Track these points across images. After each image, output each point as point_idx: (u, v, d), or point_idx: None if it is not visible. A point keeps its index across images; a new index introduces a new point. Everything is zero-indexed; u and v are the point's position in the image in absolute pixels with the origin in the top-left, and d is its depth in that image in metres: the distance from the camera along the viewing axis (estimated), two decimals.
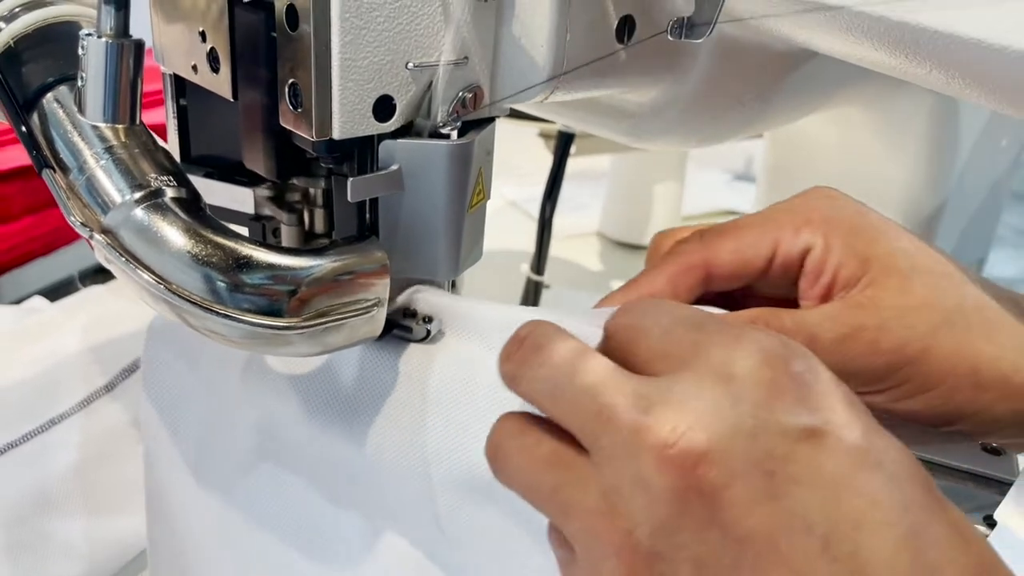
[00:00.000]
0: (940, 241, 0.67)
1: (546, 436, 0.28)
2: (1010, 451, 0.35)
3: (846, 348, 0.34)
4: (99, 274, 0.85)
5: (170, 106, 0.42)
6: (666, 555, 0.25)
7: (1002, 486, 0.32)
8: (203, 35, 0.37)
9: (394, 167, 0.35)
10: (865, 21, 0.32)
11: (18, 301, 0.75)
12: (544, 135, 0.96)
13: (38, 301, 0.74)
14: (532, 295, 0.76)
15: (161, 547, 0.47)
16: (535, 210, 0.80)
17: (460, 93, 0.36)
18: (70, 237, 0.86)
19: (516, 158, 1.08)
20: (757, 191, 0.76)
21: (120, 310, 0.69)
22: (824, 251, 0.35)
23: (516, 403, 0.33)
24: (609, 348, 0.28)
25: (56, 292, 0.78)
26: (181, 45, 0.38)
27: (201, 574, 0.45)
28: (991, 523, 0.30)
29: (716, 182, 1.19)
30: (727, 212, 1.11)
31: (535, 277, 0.75)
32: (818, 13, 0.33)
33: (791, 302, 0.37)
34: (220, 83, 0.37)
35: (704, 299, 0.37)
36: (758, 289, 0.37)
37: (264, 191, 0.40)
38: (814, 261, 0.36)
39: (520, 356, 0.28)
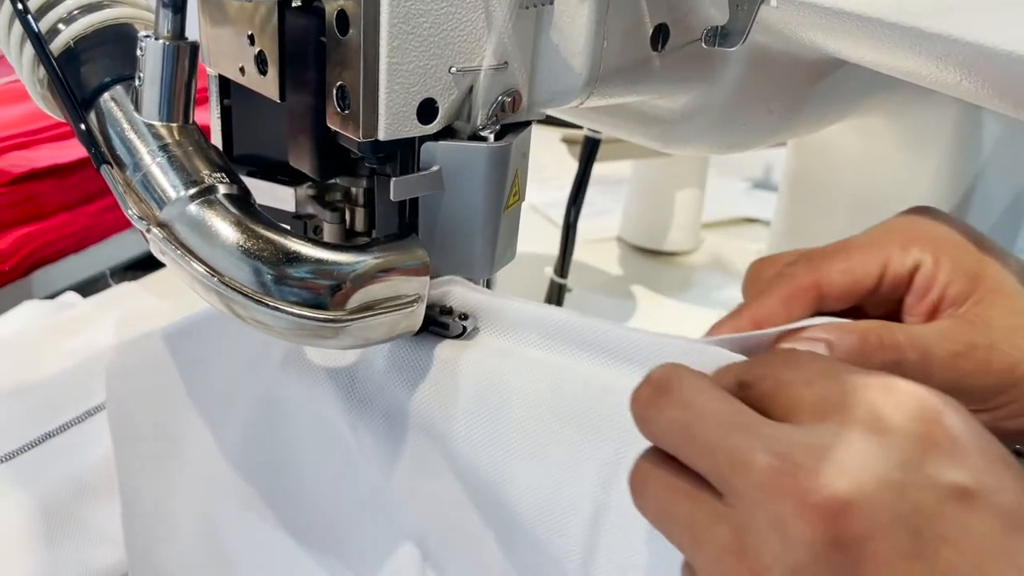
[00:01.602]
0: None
1: (681, 470, 0.28)
2: None
3: (958, 365, 0.33)
4: (129, 271, 0.87)
5: (215, 106, 0.43)
6: None
7: None
8: (251, 38, 0.38)
9: (435, 168, 0.36)
10: (897, 31, 0.33)
11: (51, 296, 0.77)
12: (567, 140, 0.97)
13: (71, 296, 0.76)
14: (555, 298, 0.77)
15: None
16: (556, 214, 0.81)
17: (499, 97, 0.37)
18: (101, 234, 0.88)
19: (538, 163, 1.09)
20: (779, 199, 0.76)
21: (151, 306, 0.71)
22: (934, 268, 0.35)
23: (548, 405, 0.35)
24: (748, 397, 0.28)
25: (88, 288, 0.79)
26: (229, 47, 0.40)
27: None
28: None
29: (736, 190, 1.20)
30: (746, 220, 1.12)
31: (559, 280, 0.76)
32: (851, 22, 0.34)
33: (894, 320, 0.36)
34: (267, 85, 0.38)
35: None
36: (864, 309, 0.37)
37: (306, 190, 0.42)
38: (924, 277, 0.35)
39: (652, 398, 0.28)
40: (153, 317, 0.68)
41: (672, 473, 0.28)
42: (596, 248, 1.01)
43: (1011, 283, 0.35)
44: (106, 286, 0.78)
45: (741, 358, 0.31)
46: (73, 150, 0.90)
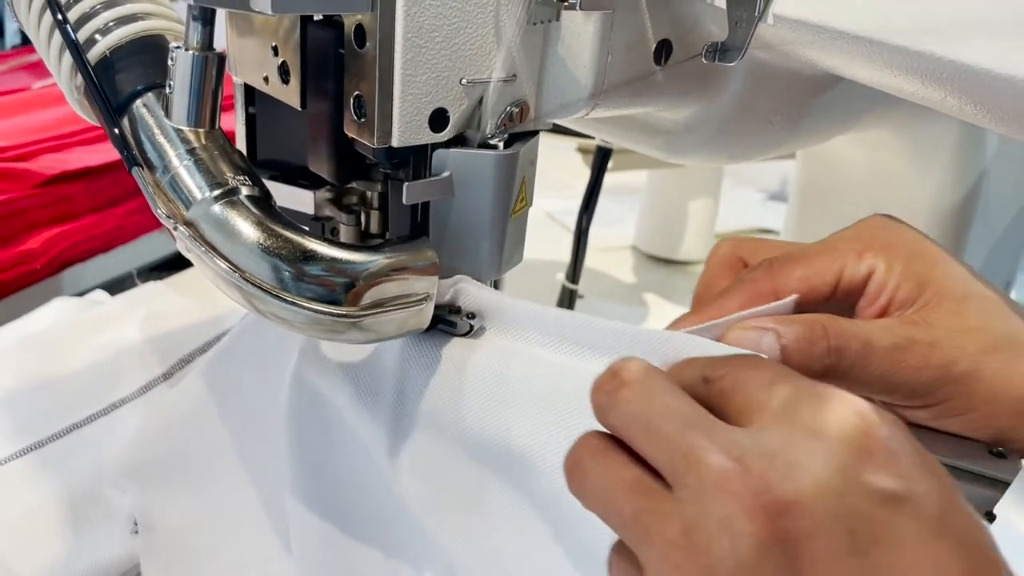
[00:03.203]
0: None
1: (629, 462, 0.29)
2: (1014, 455, 0.37)
3: (897, 357, 0.35)
4: (155, 271, 0.89)
5: (240, 113, 0.45)
6: None
7: (1005, 486, 0.34)
8: (275, 49, 0.40)
9: (446, 174, 0.38)
10: (886, 49, 0.34)
11: (81, 294, 0.80)
12: (582, 150, 0.99)
13: (99, 294, 0.78)
14: (567, 303, 0.78)
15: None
16: (572, 222, 0.82)
17: (508, 108, 0.39)
18: (129, 235, 0.91)
19: (554, 172, 1.11)
20: (788, 209, 0.78)
21: (177, 305, 0.73)
22: (886, 274, 0.37)
23: (549, 400, 0.36)
24: (709, 391, 0.30)
25: (115, 286, 0.82)
26: (254, 57, 0.42)
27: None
28: (991, 518, 0.32)
29: (751, 201, 1.21)
30: (761, 231, 1.13)
31: (570, 286, 0.78)
32: (843, 41, 0.36)
33: None
34: (289, 93, 0.40)
35: None
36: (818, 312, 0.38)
37: (324, 193, 0.44)
38: (876, 283, 0.37)
39: (612, 389, 0.30)
40: (179, 315, 0.71)
41: (621, 464, 0.29)
42: (610, 256, 1.02)
43: (958, 288, 0.37)
44: (133, 285, 0.81)
45: (721, 350, 0.33)
46: (103, 153, 0.93)
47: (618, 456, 0.29)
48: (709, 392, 0.29)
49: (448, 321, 0.40)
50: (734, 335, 0.35)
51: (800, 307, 0.37)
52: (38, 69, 1.28)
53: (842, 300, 0.38)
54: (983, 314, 0.36)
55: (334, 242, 0.36)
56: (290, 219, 0.36)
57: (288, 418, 0.44)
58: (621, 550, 0.30)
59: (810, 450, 0.26)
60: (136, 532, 0.53)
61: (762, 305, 0.36)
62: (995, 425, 0.36)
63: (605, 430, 0.30)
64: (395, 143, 0.36)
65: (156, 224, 0.93)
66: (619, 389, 0.29)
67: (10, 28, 1.51)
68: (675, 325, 0.38)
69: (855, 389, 0.33)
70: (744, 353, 0.33)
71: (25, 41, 1.50)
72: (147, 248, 0.92)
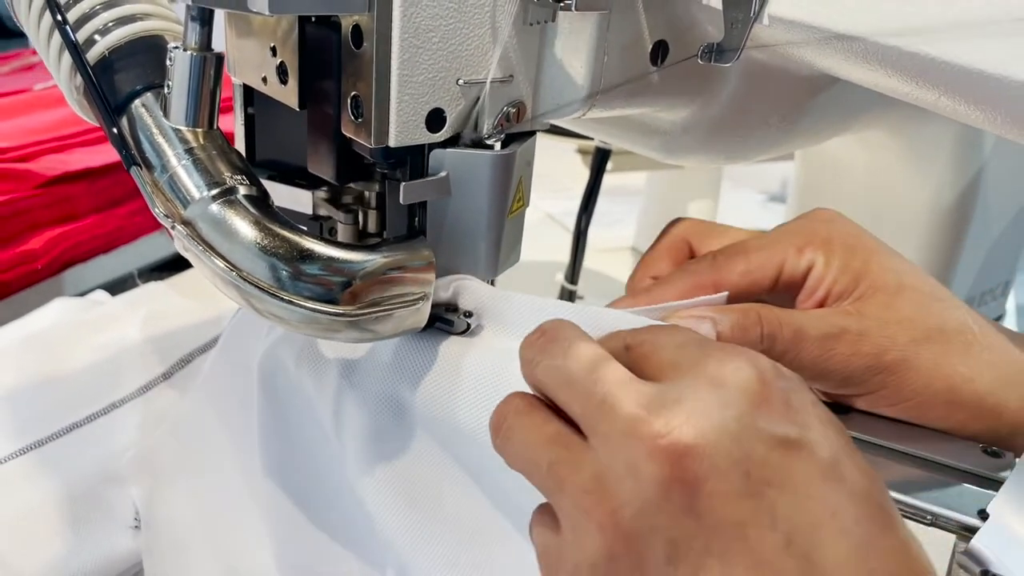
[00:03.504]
0: (965, 263, 0.68)
1: (551, 417, 0.31)
2: (1009, 454, 0.37)
3: (829, 345, 0.37)
4: (155, 271, 0.90)
5: (239, 114, 0.46)
6: (645, 535, 0.28)
7: (998, 484, 0.35)
8: (274, 50, 0.40)
9: (443, 173, 0.39)
10: (879, 50, 0.34)
11: (82, 294, 0.80)
12: (582, 151, 0.99)
13: (100, 295, 0.79)
14: None
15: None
16: (571, 223, 0.82)
17: (505, 108, 0.39)
18: (130, 236, 0.91)
19: (554, 172, 1.11)
20: (787, 210, 0.78)
21: (177, 305, 0.73)
22: (824, 268, 0.39)
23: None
24: (631, 356, 0.32)
25: (116, 287, 0.82)
26: (252, 58, 0.42)
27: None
28: (984, 516, 0.33)
29: (750, 202, 1.21)
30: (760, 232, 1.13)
31: (569, 286, 0.78)
32: (838, 41, 0.36)
33: None
34: (288, 94, 0.40)
35: None
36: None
37: (322, 193, 0.44)
38: (814, 278, 0.39)
39: (540, 345, 0.32)
40: (179, 316, 0.71)
41: (543, 420, 0.31)
42: (610, 257, 1.02)
43: (892, 281, 0.38)
44: (134, 285, 0.81)
45: (646, 323, 0.35)
46: (104, 154, 0.93)
47: (540, 412, 0.31)
48: (630, 358, 0.31)
49: (445, 319, 0.40)
50: (672, 323, 0.36)
51: (742, 299, 0.39)
52: (40, 71, 1.29)
53: (783, 292, 0.40)
54: (915, 306, 0.38)
55: (331, 241, 0.36)
56: (288, 219, 0.36)
57: (261, 410, 0.45)
58: (541, 508, 0.32)
59: (711, 399, 0.28)
60: (137, 527, 0.54)
61: (698, 296, 0.39)
62: (928, 416, 0.38)
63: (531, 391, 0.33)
64: (392, 143, 0.36)
65: (157, 225, 0.93)
66: (546, 345, 0.32)
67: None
68: (616, 304, 0.40)
69: None
70: (663, 324, 0.35)
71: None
72: (148, 249, 0.93)
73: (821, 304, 0.39)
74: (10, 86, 1.19)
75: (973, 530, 0.32)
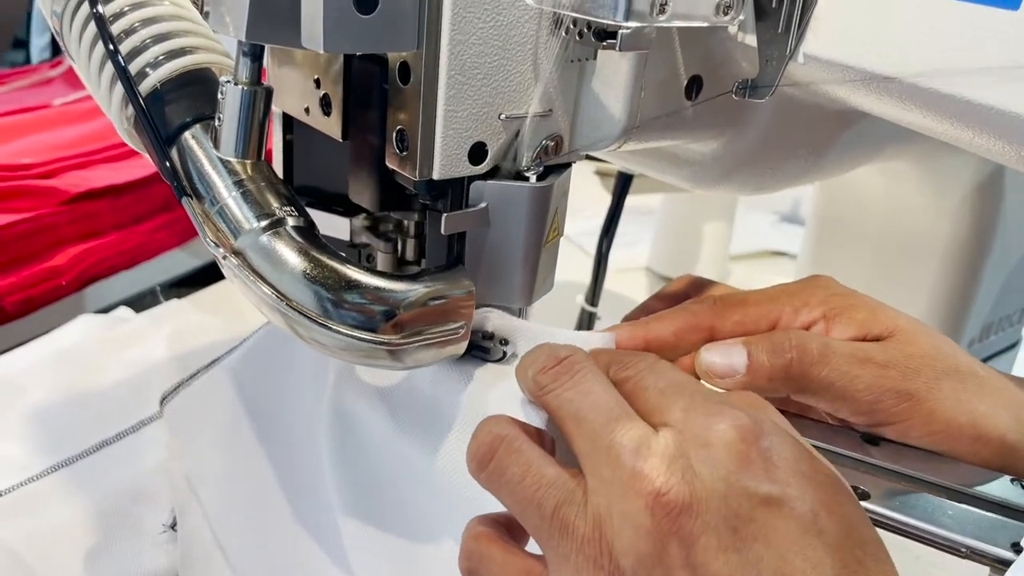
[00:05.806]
0: (984, 290, 0.69)
1: (546, 457, 0.33)
2: None
3: (855, 365, 0.38)
4: (175, 286, 0.90)
5: (278, 141, 0.47)
6: None
7: None
8: (317, 82, 0.41)
9: (482, 205, 0.39)
10: (916, 91, 0.35)
11: (104, 310, 0.81)
12: (600, 173, 1.00)
13: (124, 311, 0.80)
14: (586, 325, 0.79)
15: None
16: (588, 244, 0.83)
17: (543, 141, 0.40)
18: (152, 252, 0.92)
19: (573, 195, 1.12)
20: (805, 235, 0.79)
21: (201, 322, 0.74)
22: (825, 327, 0.40)
23: None
24: (620, 392, 0.34)
25: (138, 302, 0.83)
26: (295, 89, 0.43)
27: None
28: (1018, 549, 0.33)
29: (763, 223, 1.22)
30: (773, 253, 1.14)
31: (589, 308, 0.79)
32: (873, 81, 0.37)
33: None
34: (331, 125, 0.41)
35: None
36: None
37: (360, 221, 0.45)
38: (816, 331, 0.40)
39: (556, 372, 0.34)
40: (204, 332, 0.72)
41: (541, 459, 0.32)
42: (625, 277, 1.03)
43: (905, 325, 0.40)
44: (155, 301, 0.82)
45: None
46: (127, 171, 0.94)
47: (535, 450, 0.33)
48: (621, 392, 0.33)
49: (482, 347, 0.41)
50: (651, 355, 0.37)
51: None
52: (58, 85, 1.30)
53: None
54: (932, 347, 0.40)
55: (375, 271, 0.37)
56: (334, 248, 0.37)
57: (331, 439, 0.45)
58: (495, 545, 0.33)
59: (700, 459, 0.30)
60: (172, 530, 0.54)
61: (693, 335, 0.41)
62: (956, 450, 0.39)
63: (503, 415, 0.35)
64: (436, 176, 0.37)
65: (178, 242, 0.95)
66: (561, 375, 0.34)
67: (36, 44, 1.52)
68: (615, 329, 0.42)
69: (814, 399, 0.39)
70: (649, 355, 0.36)
71: (56, 53, 1.51)
72: (169, 265, 0.94)
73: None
74: (29, 101, 1.20)
75: (1007, 563, 0.33)
